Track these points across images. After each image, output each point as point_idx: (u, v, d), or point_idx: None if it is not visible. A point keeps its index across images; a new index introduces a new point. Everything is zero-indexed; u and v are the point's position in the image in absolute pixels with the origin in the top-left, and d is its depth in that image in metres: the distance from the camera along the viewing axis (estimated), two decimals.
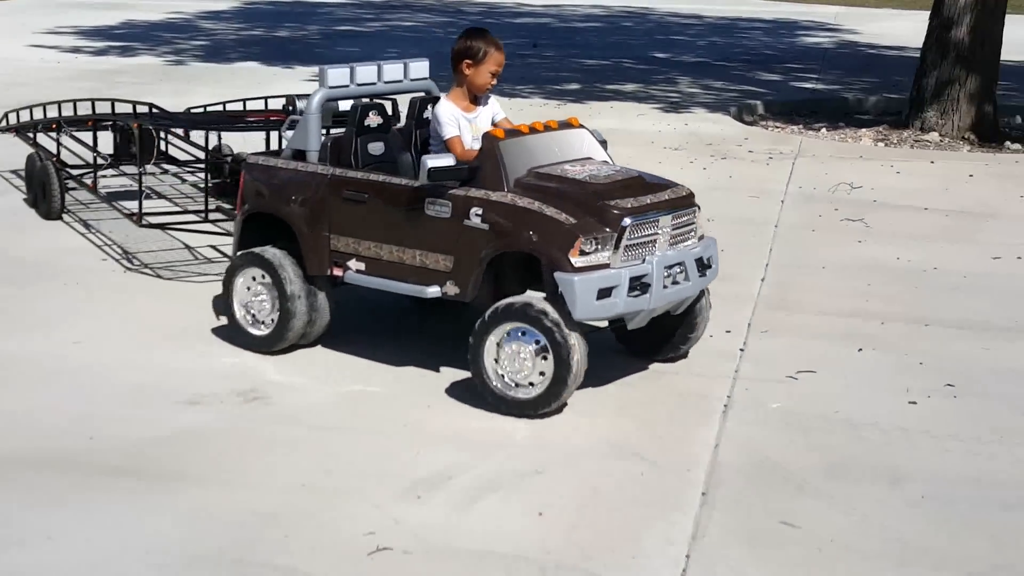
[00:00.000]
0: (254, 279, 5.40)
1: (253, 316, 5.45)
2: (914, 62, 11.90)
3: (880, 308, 6.28)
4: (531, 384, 4.78)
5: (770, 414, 4.95)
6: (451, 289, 5.03)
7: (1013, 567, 3.82)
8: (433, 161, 4.86)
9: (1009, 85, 14.01)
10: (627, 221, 4.78)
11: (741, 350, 5.66)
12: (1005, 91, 13.56)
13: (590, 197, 4.86)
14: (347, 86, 5.58)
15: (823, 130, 11.81)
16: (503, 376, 4.82)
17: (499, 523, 4.00)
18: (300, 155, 5.44)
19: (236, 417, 4.87)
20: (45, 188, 7.74)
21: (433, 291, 5.06)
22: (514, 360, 4.78)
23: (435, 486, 4.24)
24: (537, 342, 4.72)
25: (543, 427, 4.78)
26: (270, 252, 5.34)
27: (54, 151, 7.95)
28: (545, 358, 4.71)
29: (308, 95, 5.69)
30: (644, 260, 4.84)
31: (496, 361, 4.81)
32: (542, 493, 4.22)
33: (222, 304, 5.62)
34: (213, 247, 7.13)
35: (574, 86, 13.85)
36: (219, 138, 7.91)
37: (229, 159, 7.54)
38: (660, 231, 4.91)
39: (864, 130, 11.66)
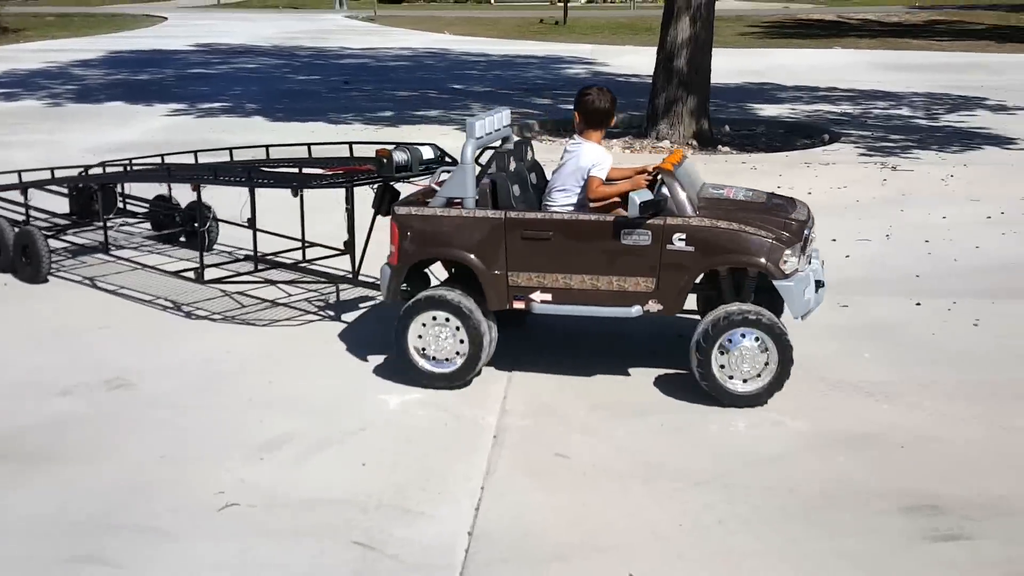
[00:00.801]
0: (434, 319, 4.65)
1: (431, 356, 4.69)
2: (649, 87, 12.14)
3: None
4: None
5: (549, 368, 4.95)
6: (654, 307, 4.60)
7: (731, 474, 3.90)
8: (639, 197, 4.45)
9: (720, 102, 14.47)
10: (806, 232, 4.63)
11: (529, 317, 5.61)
12: (717, 107, 14.00)
13: (767, 215, 4.65)
14: (483, 136, 4.89)
15: None
16: None
17: (329, 475, 3.89)
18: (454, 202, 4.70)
19: (103, 403, 4.60)
20: (28, 251, 6.24)
21: (636, 311, 4.61)
22: None
23: (275, 448, 4.09)
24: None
25: (368, 391, 4.67)
26: (451, 294, 4.65)
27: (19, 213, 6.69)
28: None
29: (406, 145, 5.36)
30: (811, 263, 4.71)
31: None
32: (365, 447, 4.13)
33: (396, 347, 4.72)
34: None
35: (388, 113, 13.65)
36: (170, 188, 6.85)
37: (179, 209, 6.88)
38: (810, 240, 4.76)
39: (615, 140, 11.81)
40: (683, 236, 4.49)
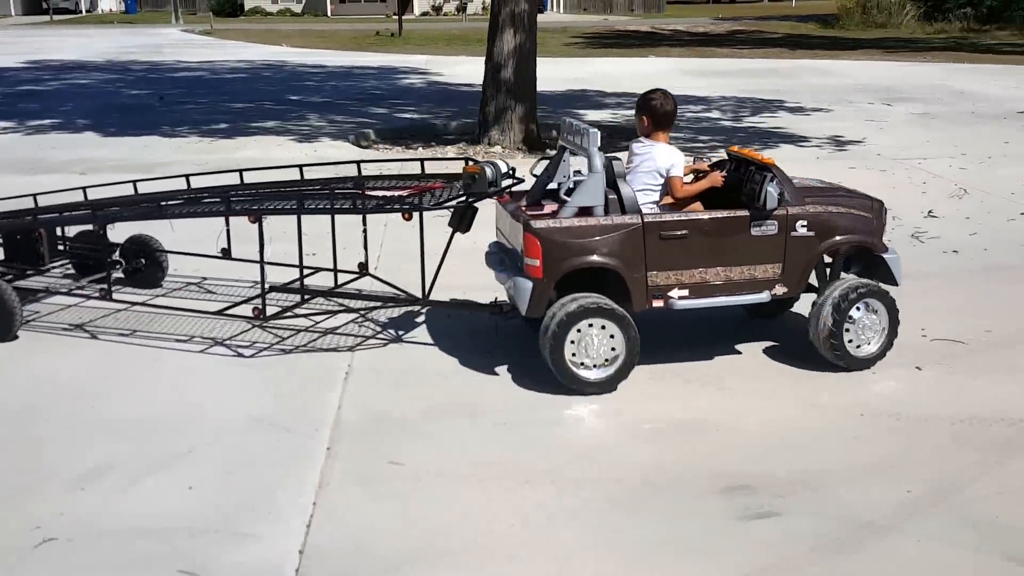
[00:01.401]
0: (590, 326, 4.45)
1: (584, 363, 4.48)
2: (480, 95, 12.08)
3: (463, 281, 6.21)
4: None
5: (382, 375, 4.77)
6: (780, 290, 4.75)
7: (561, 469, 3.82)
8: (775, 190, 4.56)
9: (547, 109, 14.55)
10: (884, 211, 4.98)
11: (358, 322, 5.43)
12: (545, 113, 14.06)
13: (853, 198, 4.94)
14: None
15: (419, 149, 11.75)
16: None
17: (155, 501, 3.58)
18: (585, 211, 4.55)
19: None
20: None
21: (765, 295, 4.74)
22: None
23: (98, 476, 3.75)
24: None
25: (192, 409, 4.37)
26: (604, 301, 4.48)
27: None
28: None
29: (490, 163, 4.93)
30: None
31: None
32: (193, 469, 3.83)
33: (550, 357, 4.45)
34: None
35: (224, 125, 13.12)
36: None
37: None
38: None
39: (449, 147, 11.71)
40: (804, 223, 4.69)
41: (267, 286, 5.17)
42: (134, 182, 5.92)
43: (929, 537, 3.31)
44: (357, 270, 5.66)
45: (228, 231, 5.36)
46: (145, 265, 6.05)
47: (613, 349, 4.50)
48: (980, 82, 17.74)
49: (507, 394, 4.54)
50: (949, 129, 12.27)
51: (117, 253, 5.99)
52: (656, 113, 4.92)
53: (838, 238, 4.75)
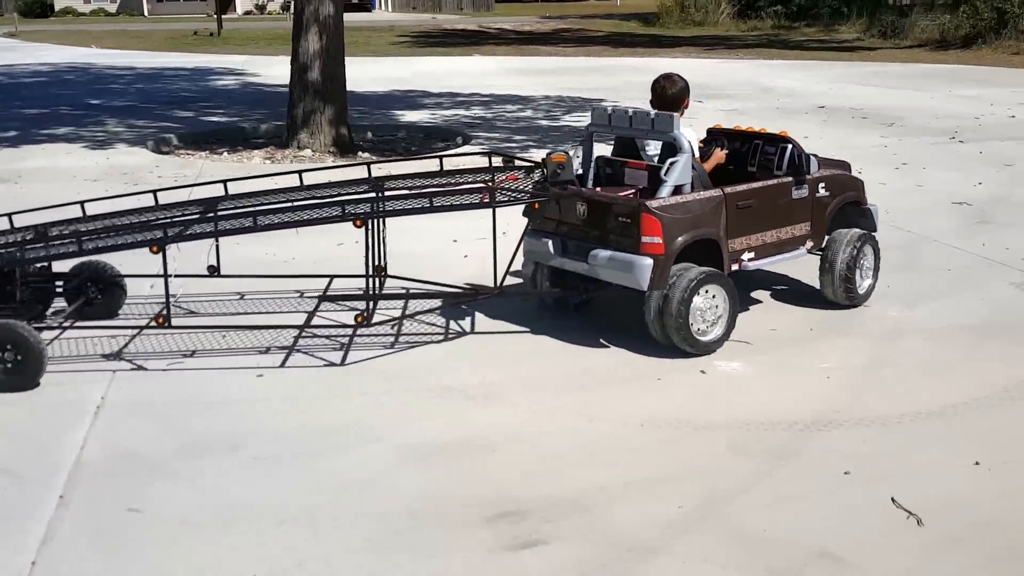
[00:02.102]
0: (707, 292, 4.79)
1: (699, 328, 4.80)
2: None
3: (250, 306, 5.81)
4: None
5: (137, 407, 4.33)
6: (811, 244, 5.40)
7: (320, 506, 3.50)
8: (813, 159, 5.30)
9: (365, 110, 14.17)
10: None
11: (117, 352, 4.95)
12: (362, 114, 13.70)
13: (839, 162, 5.71)
14: None
15: (224, 153, 11.19)
16: None
17: None
18: (677, 189, 4.88)
19: None
20: (17, 350, 4.40)
21: (802, 251, 5.38)
22: None
23: None
24: None
25: None
26: (711, 269, 4.84)
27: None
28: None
29: (563, 161, 4.99)
30: None
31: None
32: None
33: (674, 327, 4.72)
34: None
35: (12, 133, 12.18)
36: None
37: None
38: None
39: (256, 152, 11.19)
40: (823, 184, 5.37)
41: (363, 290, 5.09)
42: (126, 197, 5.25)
43: (695, 556, 3.16)
44: (374, 272, 5.22)
45: (217, 247, 5.11)
46: (100, 294, 5.36)
47: (717, 309, 4.85)
48: (786, 78, 18.37)
49: (274, 424, 4.18)
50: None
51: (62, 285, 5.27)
52: (662, 98, 5.26)
53: (844, 195, 5.50)
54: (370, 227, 4.97)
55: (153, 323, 4.90)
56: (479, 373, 4.67)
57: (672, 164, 4.86)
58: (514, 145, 11.18)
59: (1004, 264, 6.27)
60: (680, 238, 4.77)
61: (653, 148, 5.36)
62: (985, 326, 5.20)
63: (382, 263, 5.43)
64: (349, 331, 5.13)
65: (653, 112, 5.01)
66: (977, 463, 3.72)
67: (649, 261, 4.72)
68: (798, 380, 4.55)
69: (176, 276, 4.92)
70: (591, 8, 49.39)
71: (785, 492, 3.55)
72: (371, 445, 3.99)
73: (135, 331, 5.12)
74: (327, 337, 5.14)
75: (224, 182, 5.45)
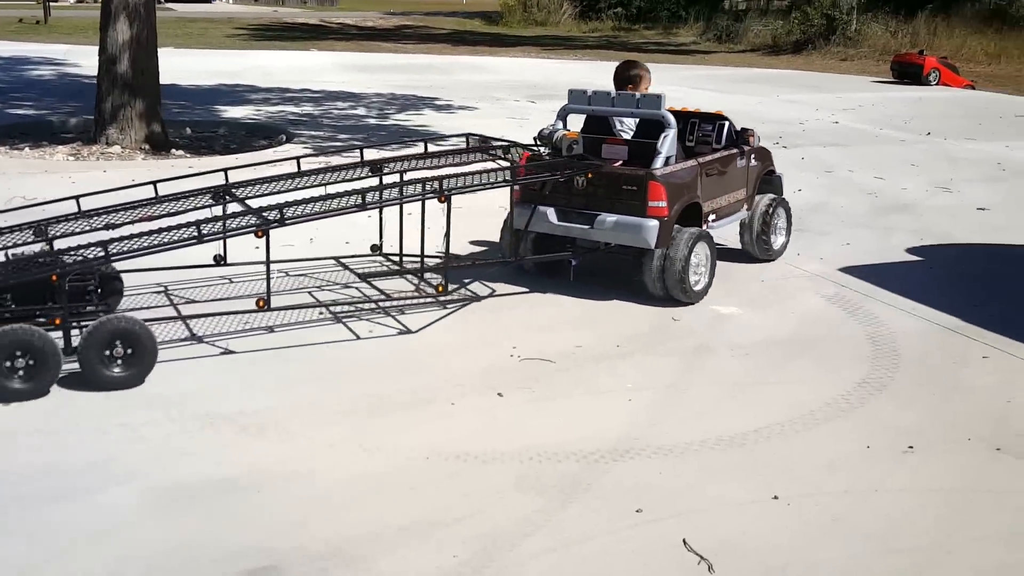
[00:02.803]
0: (698, 248, 5.42)
1: (692, 278, 5.44)
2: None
3: None
4: None
5: None
6: (745, 209, 6.14)
7: (41, 569, 2.97)
8: (756, 133, 6.16)
9: (187, 104, 13.36)
10: None
11: None
12: (183, 109, 12.89)
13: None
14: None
15: (27, 149, 10.25)
16: None
17: None
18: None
19: None
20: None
21: (744, 214, 6.14)
22: None
23: None
24: None
25: None
26: (700, 229, 5.50)
27: None
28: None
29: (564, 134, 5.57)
30: None
31: None
32: None
33: (678, 279, 5.35)
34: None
35: None
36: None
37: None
38: None
39: (61, 147, 10.30)
40: (754, 155, 6.10)
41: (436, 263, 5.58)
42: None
43: None
44: (371, 252, 6.03)
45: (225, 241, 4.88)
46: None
47: (705, 263, 5.53)
48: None
49: (6, 462, 3.60)
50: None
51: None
52: (616, 78, 6.05)
53: (765, 164, 6.29)
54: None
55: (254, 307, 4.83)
56: (256, 398, 4.19)
57: (665, 138, 5.41)
58: (339, 144, 10.65)
59: (817, 275, 6.19)
60: (678, 203, 5.40)
61: (625, 126, 5.89)
62: (794, 342, 5.04)
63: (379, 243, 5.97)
64: None
65: (638, 94, 5.63)
66: (776, 497, 3.48)
67: (655, 223, 5.31)
68: (597, 403, 4.25)
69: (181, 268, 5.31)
70: (437, 5, 49.01)
71: (572, 534, 3.23)
72: (117, 487, 3.46)
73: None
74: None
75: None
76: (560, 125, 5.78)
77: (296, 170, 5.66)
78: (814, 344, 5.01)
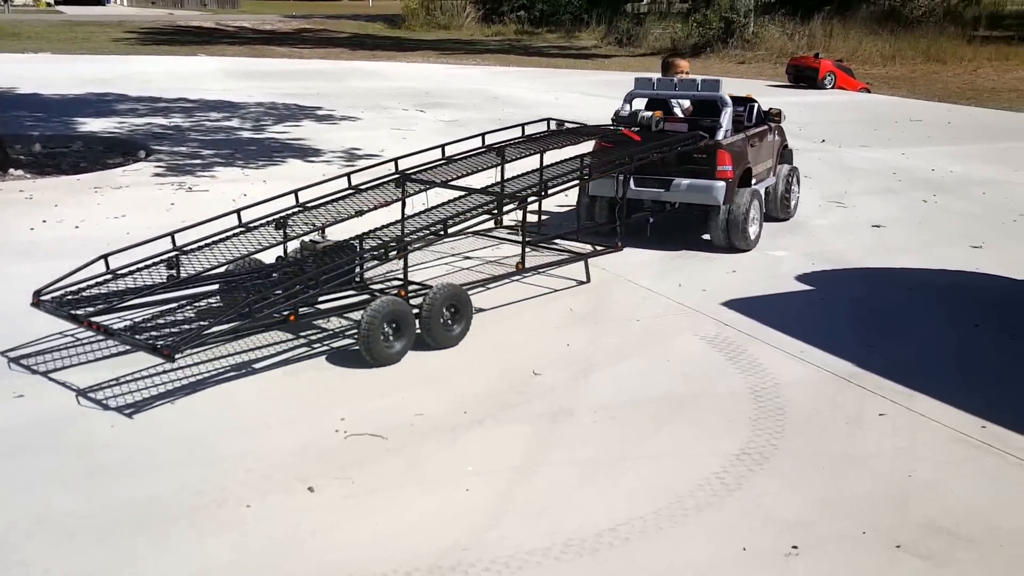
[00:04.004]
0: (755, 205, 6.75)
1: (751, 231, 6.74)
2: None
3: None
4: None
5: None
6: (773, 176, 7.56)
7: None
8: (782, 113, 7.68)
9: (43, 117, 12.25)
10: None
11: None
12: (38, 122, 11.81)
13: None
14: None
15: None
16: None
17: None
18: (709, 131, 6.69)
19: None
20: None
21: (773, 179, 7.52)
22: None
23: None
24: None
25: None
26: (754, 188, 6.84)
27: None
28: None
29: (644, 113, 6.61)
30: None
31: None
32: None
33: (740, 229, 6.58)
34: None
35: None
36: None
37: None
38: None
39: None
40: (778, 132, 7.57)
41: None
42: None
43: None
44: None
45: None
46: None
47: (756, 218, 6.74)
48: (518, 86, 17.74)
49: None
50: (473, 133, 11.63)
51: None
52: (663, 67, 7.61)
53: (784, 140, 7.63)
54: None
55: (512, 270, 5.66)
56: None
57: (724, 115, 6.63)
58: (199, 162, 9.70)
59: (697, 311, 5.52)
60: (738, 167, 6.59)
61: (678, 106, 7.18)
62: (666, 401, 4.32)
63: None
64: None
65: (700, 78, 7.05)
66: None
67: (723, 184, 6.51)
68: (427, 499, 3.46)
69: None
70: (341, 8, 47.80)
71: None
72: None
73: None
74: None
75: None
76: (627, 108, 6.92)
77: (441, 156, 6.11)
78: (689, 403, 4.31)
